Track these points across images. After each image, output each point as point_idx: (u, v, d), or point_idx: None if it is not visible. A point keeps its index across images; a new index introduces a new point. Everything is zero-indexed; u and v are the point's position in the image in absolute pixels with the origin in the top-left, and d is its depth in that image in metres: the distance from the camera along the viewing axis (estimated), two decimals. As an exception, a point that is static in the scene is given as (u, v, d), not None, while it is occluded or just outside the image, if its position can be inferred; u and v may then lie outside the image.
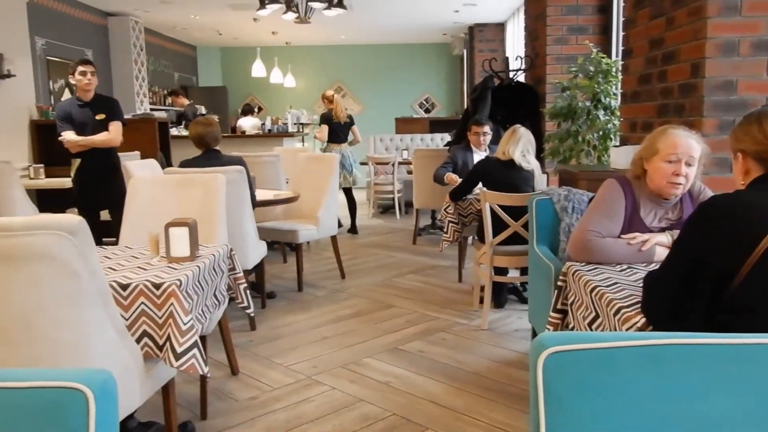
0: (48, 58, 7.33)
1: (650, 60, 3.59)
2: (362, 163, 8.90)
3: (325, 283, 5.07)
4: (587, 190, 3.10)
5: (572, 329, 2.24)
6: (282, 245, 5.93)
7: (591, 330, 2.02)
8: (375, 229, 7.74)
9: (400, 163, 8.38)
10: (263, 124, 10.14)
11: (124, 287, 2.09)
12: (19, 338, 1.72)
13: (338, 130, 7.10)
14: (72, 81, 4.65)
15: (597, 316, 1.98)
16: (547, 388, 0.96)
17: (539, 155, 5.71)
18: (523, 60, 6.38)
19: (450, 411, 2.83)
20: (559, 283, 2.35)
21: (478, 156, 5.06)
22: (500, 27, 10.28)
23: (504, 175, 4.11)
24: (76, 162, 4.77)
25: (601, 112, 4.61)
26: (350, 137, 7.42)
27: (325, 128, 7.05)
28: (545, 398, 0.96)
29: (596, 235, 2.26)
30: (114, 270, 2.29)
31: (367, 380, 3.17)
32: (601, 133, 4.61)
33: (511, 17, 9.64)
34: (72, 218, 1.71)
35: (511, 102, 5.91)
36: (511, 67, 6.34)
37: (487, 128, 5.14)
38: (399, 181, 8.46)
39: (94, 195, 4.68)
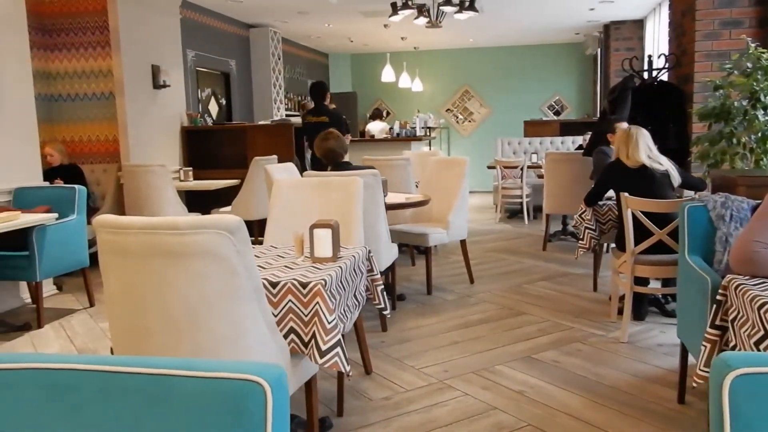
0: (197, 68, 7.92)
1: (823, 54, 3.24)
2: (489, 167, 8.81)
3: (453, 287, 5.05)
4: (747, 196, 2.85)
5: (734, 348, 2.07)
6: (410, 248, 5.98)
7: (758, 350, 1.85)
8: (502, 234, 7.61)
9: (528, 167, 8.19)
10: (391, 128, 10.32)
11: (274, 285, 2.20)
12: (187, 329, 1.86)
13: None
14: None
15: (766, 335, 1.81)
16: (734, 414, 0.88)
17: (686, 158, 5.35)
18: (668, 58, 6.00)
19: (590, 426, 2.71)
20: (718, 298, 2.18)
21: None
22: (638, 24, 9.75)
23: (638, 182, 3.80)
24: None
25: (760, 112, 4.21)
26: None
27: None
28: (732, 425, 0.88)
29: (764, 247, 2.08)
30: (263, 268, 2.42)
31: (501, 388, 3.11)
32: (759, 134, 4.22)
33: (652, 13, 9.11)
34: (232, 218, 1.83)
35: (654, 103, 5.58)
36: (653, 66, 5.99)
37: None
38: (527, 185, 8.26)
39: None
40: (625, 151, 3.89)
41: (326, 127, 6.22)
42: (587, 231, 4.33)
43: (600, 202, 4.37)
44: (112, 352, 2.27)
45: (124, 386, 1.00)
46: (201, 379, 0.95)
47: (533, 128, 10.13)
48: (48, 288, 5.00)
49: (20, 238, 4.18)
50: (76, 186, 4.67)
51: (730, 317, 2.11)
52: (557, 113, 12.45)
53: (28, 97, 4.89)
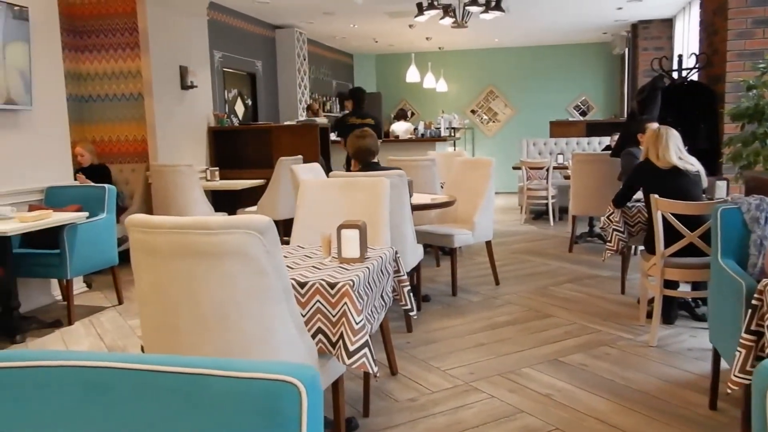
0: (224, 69, 7.99)
1: None
2: (515, 168, 8.74)
3: (479, 289, 5.02)
4: (783, 199, 2.78)
5: (770, 354, 2.02)
6: (435, 249, 5.96)
7: (797, 356, 1.80)
8: (527, 235, 7.55)
9: (554, 168, 8.11)
10: (416, 128, 10.29)
11: (302, 285, 2.20)
12: (216, 327, 1.88)
13: None
14: None
15: (805, 342, 1.77)
16: (779, 422, 0.86)
17: (717, 159, 5.26)
18: (699, 57, 5.89)
19: (618, 431, 2.67)
20: (753, 302, 2.13)
21: None
22: (667, 23, 9.61)
23: (670, 183, 3.74)
24: None
25: (794, 113, 4.13)
26: None
27: None
28: (777, 433, 0.86)
29: (801, 251, 2.02)
30: (291, 268, 2.42)
31: (527, 391, 3.08)
32: (794, 135, 4.13)
33: (681, 12, 8.97)
34: (262, 219, 1.83)
35: (684, 103, 5.49)
36: (683, 66, 5.89)
37: None
38: (553, 186, 8.18)
39: None
40: (655, 152, 3.83)
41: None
42: (615, 233, 4.27)
43: (629, 204, 4.30)
44: (142, 350, 2.30)
45: (158, 385, 1.00)
46: (235, 379, 0.95)
47: (559, 129, 10.04)
48: (78, 286, 5.08)
49: (52, 236, 4.26)
50: (105, 185, 4.73)
51: (767, 323, 2.06)
52: (583, 114, 12.32)
53: (60, 98, 4.97)
